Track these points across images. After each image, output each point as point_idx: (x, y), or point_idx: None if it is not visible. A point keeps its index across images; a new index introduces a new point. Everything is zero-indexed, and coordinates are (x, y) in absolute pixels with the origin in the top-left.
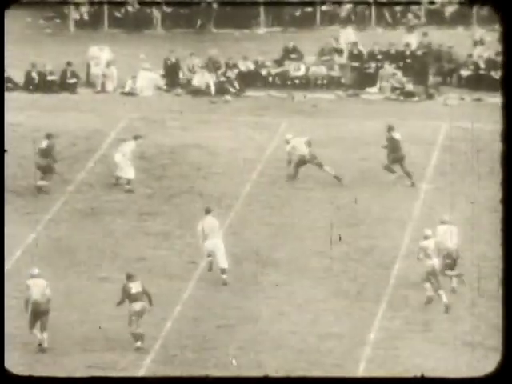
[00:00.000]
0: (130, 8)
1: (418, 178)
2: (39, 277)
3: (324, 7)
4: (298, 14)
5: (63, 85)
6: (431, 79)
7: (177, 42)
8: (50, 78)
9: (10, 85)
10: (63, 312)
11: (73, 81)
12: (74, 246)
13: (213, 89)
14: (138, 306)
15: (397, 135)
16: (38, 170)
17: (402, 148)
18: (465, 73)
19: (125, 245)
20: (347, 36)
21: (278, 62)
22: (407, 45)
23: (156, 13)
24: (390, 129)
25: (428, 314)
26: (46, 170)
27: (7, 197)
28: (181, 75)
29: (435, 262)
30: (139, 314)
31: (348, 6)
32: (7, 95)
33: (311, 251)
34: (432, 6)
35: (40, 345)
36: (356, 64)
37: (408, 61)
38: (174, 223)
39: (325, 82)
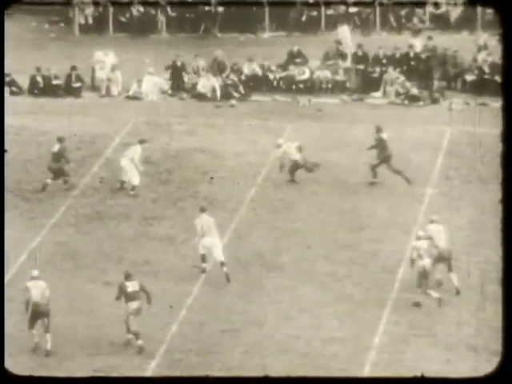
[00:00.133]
0: (134, 12)
1: (422, 182)
2: (39, 278)
3: (329, 11)
4: (302, 18)
5: (68, 89)
6: (436, 84)
7: (181, 46)
8: (54, 82)
9: (14, 89)
10: (68, 316)
11: (78, 85)
12: (78, 250)
13: (218, 93)
14: (134, 304)
15: (384, 136)
16: (50, 172)
17: (389, 147)
18: (469, 77)
19: (129, 249)
20: (344, 33)
21: (283, 67)
22: (411, 46)
23: (161, 17)
24: (379, 130)
25: (432, 318)
26: (58, 173)
27: (12, 201)
28: (186, 79)
29: (426, 262)
30: (135, 313)
31: (353, 10)
32: (12, 99)
33: (316, 255)
34: (437, 11)
35: (38, 345)
36: (361, 67)
37: (413, 64)
38: (179, 227)
39: (329, 86)
